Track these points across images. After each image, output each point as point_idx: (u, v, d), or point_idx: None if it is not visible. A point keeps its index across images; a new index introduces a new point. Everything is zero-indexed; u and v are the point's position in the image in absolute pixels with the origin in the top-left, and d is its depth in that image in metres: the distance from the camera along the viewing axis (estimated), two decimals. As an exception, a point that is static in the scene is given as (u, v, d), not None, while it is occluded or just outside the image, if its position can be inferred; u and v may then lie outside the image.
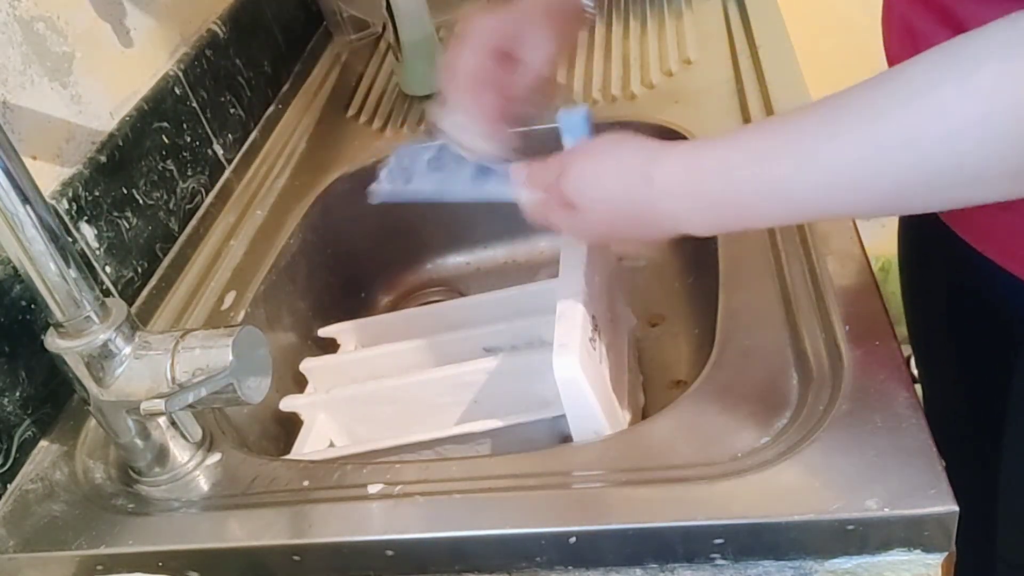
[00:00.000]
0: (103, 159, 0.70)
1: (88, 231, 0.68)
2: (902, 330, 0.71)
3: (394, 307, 0.90)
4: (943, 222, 0.59)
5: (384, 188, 0.61)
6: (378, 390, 0.67)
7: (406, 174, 0.61)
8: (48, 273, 0.48)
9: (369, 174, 0.85)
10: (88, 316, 0.50)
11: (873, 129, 0.38)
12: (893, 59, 0.56)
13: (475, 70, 0.56)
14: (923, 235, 0.67)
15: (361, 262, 0.89)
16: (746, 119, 0.75)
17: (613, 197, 0.48)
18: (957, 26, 0.44)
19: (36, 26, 0.66)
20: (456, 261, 0.92)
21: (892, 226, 0.77)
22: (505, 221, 0.89)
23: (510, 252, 0.91)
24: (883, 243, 0.74)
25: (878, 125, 0.38)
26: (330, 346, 0.78)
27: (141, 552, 0.52)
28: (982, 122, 0.35)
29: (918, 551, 0.44)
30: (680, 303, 0.79)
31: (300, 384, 0.73)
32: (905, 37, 0.53)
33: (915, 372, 0.75)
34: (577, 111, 0.55)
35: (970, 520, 0.44)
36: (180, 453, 0.56)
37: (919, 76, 0.38)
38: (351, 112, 0.95)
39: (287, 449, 0.68)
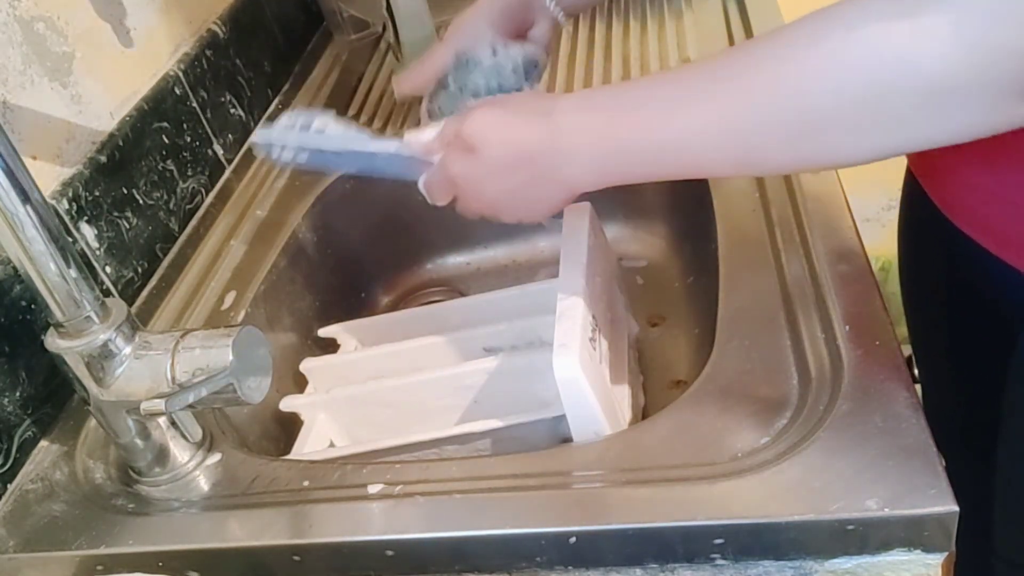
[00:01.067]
0: (103, 159, 0.70)
1: (88, 231, 0.68)
2: (902, 330, 0.71)
3: (394, 307, 0.90)
4: (942, 214, 0.58)
5: (273, 145, 0.59)
6: (378, 390, 0.67)
7: (300, 136, 0.59)
8: (48, 273, 0.48)
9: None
10: (88, 316, 0.50)
11: (738, 90, 0.42)
12: None
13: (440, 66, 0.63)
14: (922, 228, 0.67)
15: (361, 262, 0.89)
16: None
17: (510, 137, 0.50)
18: None
19: (36, 26, 0.66)
20: (456, 261, 0.92)
21: (892, 226, 0.77)
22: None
23: (510, 252, 0.91)
24: (883, 243, 0.75)
25: (745, 85, 0.42)
26: (330, 346, 0.78)
27: (141, 552, 0.52)
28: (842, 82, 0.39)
29: (918, 551, 0.44)
30: (680, 303, 0.79)
31: (300, 384, 0.73)
32: None
33: (915, 372, 0.75)
34: None
35: (968, 518, 0.44)
36: (180, 453, 0.56)
37: (796, 38, 0.41)
38: (351, 112, 0.95)
39: (287, 449, 0.68)
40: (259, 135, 0.59)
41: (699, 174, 0.47)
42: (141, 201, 0.74)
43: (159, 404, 0.48)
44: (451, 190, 0.55)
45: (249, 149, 0.91)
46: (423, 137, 0.57)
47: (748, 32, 0.89)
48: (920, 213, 0.65)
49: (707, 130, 0.43)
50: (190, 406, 0.50)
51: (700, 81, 0.44)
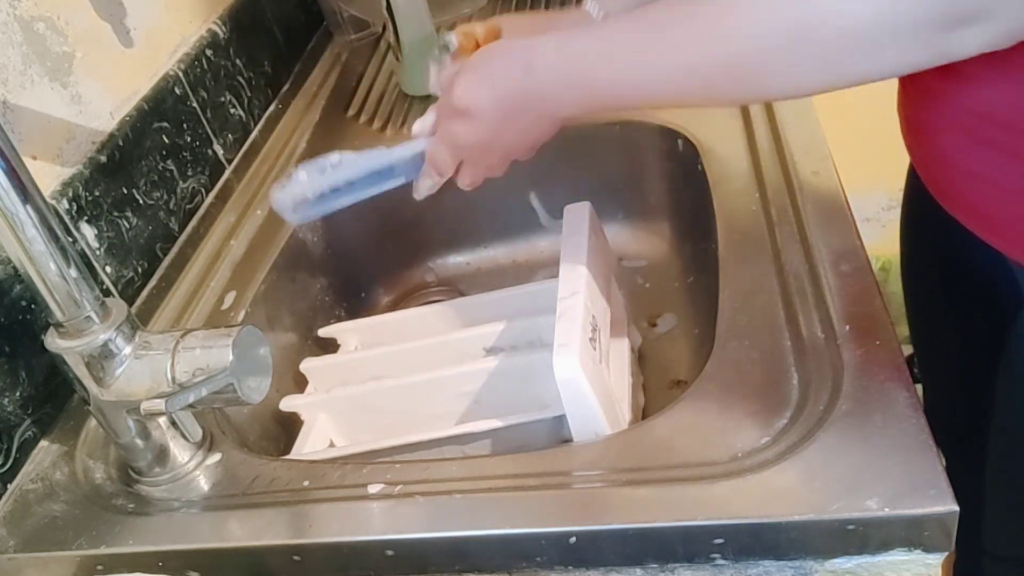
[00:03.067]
0: (103, 159, 0.70)
1: (88, 231, 0.68)
2: (902, 330, 0.71)
3: (394, 307, 0.90)
4: (942, 207, 0.58)
5: (292, 211, 0.59)
6: (378, 390, 0.67)
7: (318, 180, 0.59)
8: (48, 273, 0.48)
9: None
10: (88, 316, 0.50)
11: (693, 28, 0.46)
12: None
13: None
14: (922, 223, 0.67)
15: (361, 262, 0.89)
16: (746, 119, 0.75)
17: (500, 93, 0.54)
18: None
19: (36, 26, 0.66)
20: (456, 261, 0.92)
21: (892, 226, 0.77)
22: (505, 221, 0.90)
23: (510, 252, 0.91)
24: (883, 243, 0.75)
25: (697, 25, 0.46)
26: (330, 346, 0.78)
27: (141, 552, 0.52)
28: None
29: (918, 551, 0.44)
30: (680, 303, 0.79)
31: (300, 384, 0.73)
32: None
33: (915, 371, 0.75)
34: None
35: (961, 515, 0.44)
36: (180, 453, 0.56)
37: None
38: (351, 112, 0.95)
39: (287, 449, 0.68)
40: (277, 199, 0.59)
41: (668, 105, 0.52)
42: (141, 201, 0.74)
43: (159, 404, 0.48)
44: (456, 156, 0.58)
45: (249, 149, 0.91)
46: (427, 120, 0.60)
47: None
48: (920, 208, 0.65)
49: (671, 76, 0.48)
50: (190, 406, 0.50)
51: (657, 31, 0.48)
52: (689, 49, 0.47)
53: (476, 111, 0.55)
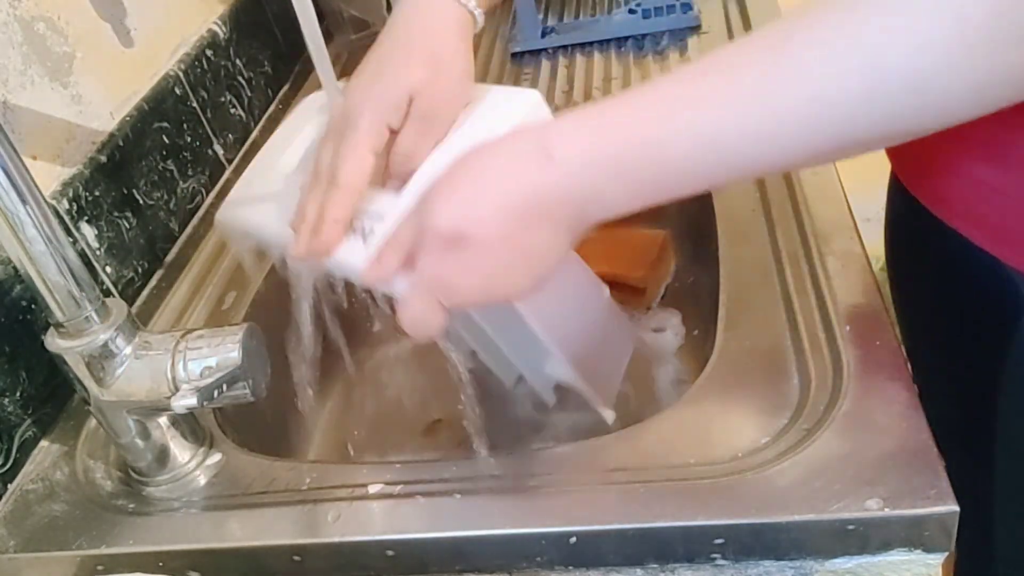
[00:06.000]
0: (103, 159, 0.70)
1: (88, 231, 0.68)
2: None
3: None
4: (932, 214, 0.58)
5: None
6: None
7: None
8: (48, 273, 0.48)
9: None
10: (88, 316, 0.50)
11: (826, 55, 0.34)
12: None
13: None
14: (911, 228, 0.67)
15: (361, 262, 0.89)
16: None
17: (510, 200, 0.39)
18: None
19: (36, 26, 0.66)
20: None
21: (892, 226, 0.77)
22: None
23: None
24: (883, 243, 0.74)
25: (832, 50, 0.34)
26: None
27: (141, 552, 0.52)
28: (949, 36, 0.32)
29: (919, 551, 0.44)
30: (680, 303, 0.79)
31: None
32: None
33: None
34: None
35: (967, 519, 0.44)
36: (181, 453, 0.56)
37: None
38: (351, 112, 0.95)
39: (287, 449, 0.68)
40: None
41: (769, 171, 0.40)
42: (141, 201, 0.74)
43: (192, 399, 0.48)
44: (450, 302, 0.42)
45: (249, 149, 0.90)
46: (354, 261, 0.45)
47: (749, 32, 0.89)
48: (906, 213, 0.64)
49: (797, 114, 0.35)
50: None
51: (763, 63, 0.36)
52: (825, 71, 0.34)
53: (471, 237, 0.38)
